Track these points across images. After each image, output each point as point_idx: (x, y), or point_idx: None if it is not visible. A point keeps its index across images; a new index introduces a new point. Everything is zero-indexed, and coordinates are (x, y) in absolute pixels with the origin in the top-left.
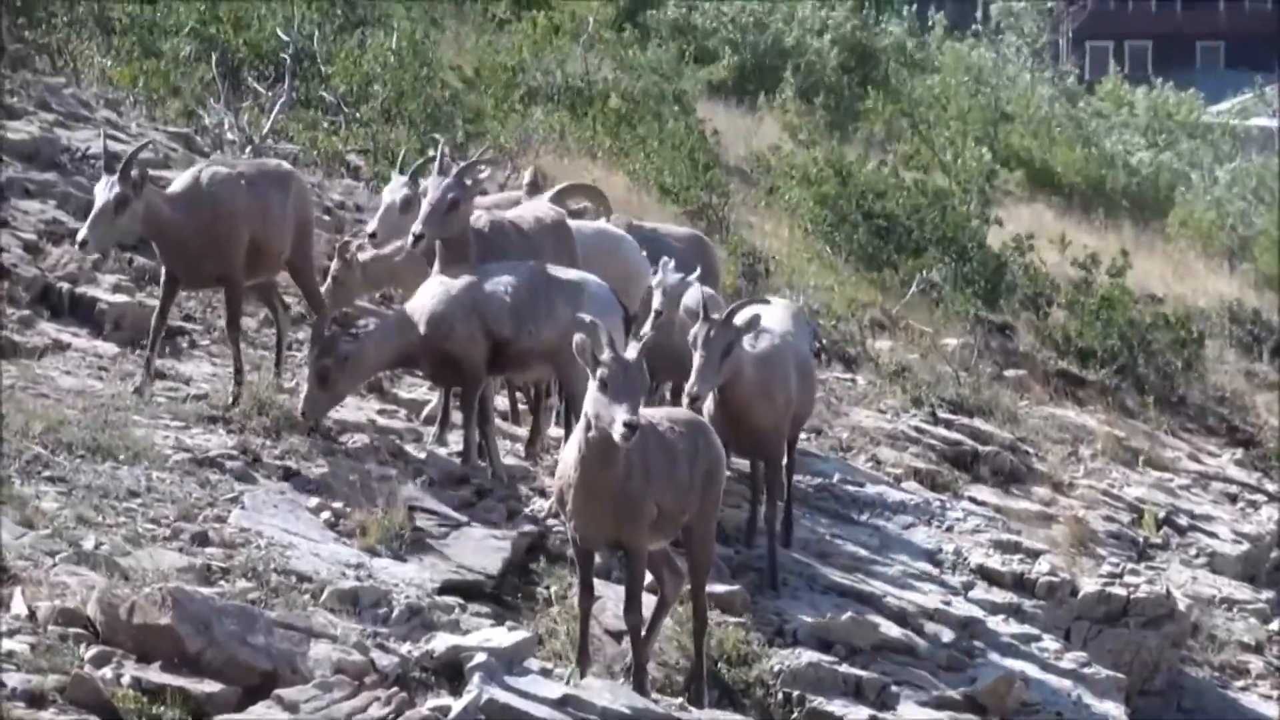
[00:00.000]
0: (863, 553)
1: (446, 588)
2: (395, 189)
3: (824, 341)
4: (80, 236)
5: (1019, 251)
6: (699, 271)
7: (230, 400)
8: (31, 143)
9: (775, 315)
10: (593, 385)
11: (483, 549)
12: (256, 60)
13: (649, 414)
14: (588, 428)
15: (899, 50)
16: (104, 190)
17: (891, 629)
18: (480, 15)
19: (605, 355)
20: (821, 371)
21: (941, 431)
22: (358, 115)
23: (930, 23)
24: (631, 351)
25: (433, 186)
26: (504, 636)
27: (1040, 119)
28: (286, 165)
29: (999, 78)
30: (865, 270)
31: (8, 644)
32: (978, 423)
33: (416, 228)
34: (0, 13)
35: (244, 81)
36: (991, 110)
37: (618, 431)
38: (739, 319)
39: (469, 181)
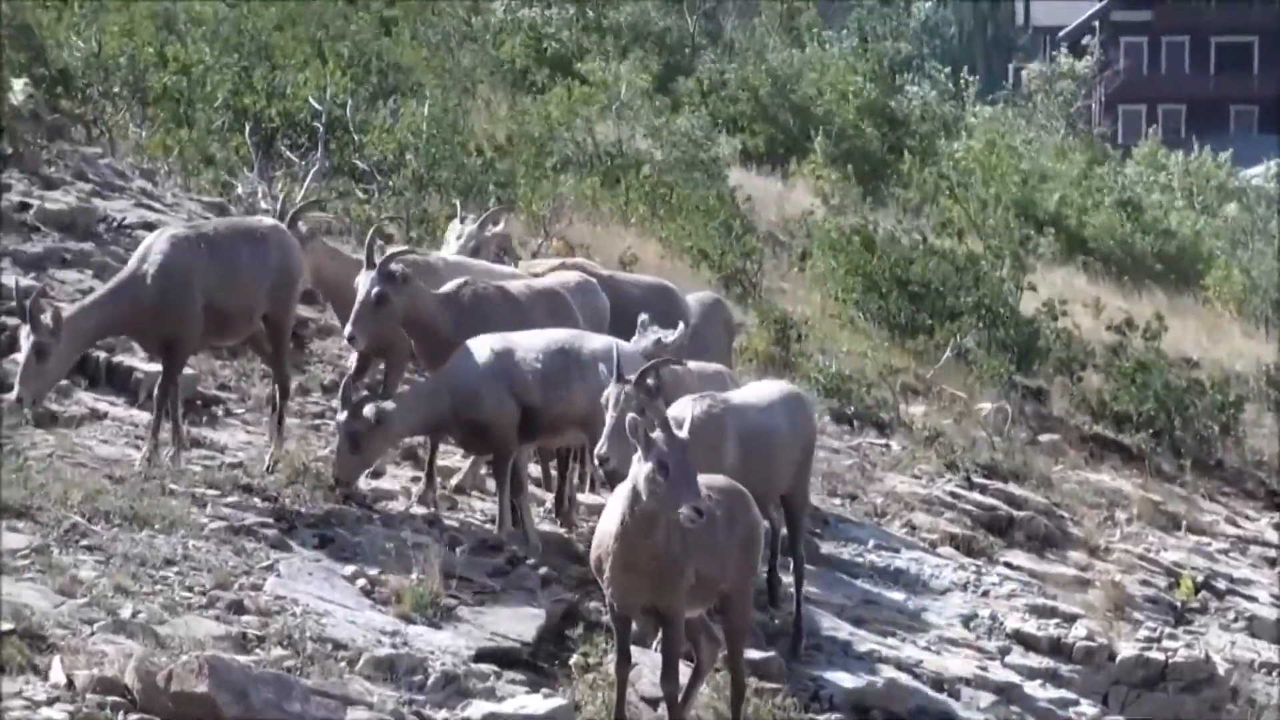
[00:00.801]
0: (898, 618)
1: (482, 655)
2: None
3: (855, 407)
4: (14, 395)
5: (1051, 316)
6: (681, 329)
7: (137, 468)
8: (69, 213)
9: (757, 389)
10: (644, 463)
11: (518, 616)
12: (290, 129)
13: None
14: (634, 501)
15: (930, 115)
16: (24, 342)
17: (928, 694)
18: (512, 84)
19: (661, 436)
20: (854, 437)
21: (976, 496)
22: (391, 184)
23: (965, 85)
24: (684, 430)
25: (360, 284)
26: (540, 704)
27: (1074, 181)
28: (269, 221)
29: (1031, 142)
30: (898, 336)
31: (46, 712)
32: (1012, 487)
33: (348, 330)
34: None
35: (277, 150)
36: (1026, 174)
37: (685, 516)
38: (652, 380)
39: (396, 270)
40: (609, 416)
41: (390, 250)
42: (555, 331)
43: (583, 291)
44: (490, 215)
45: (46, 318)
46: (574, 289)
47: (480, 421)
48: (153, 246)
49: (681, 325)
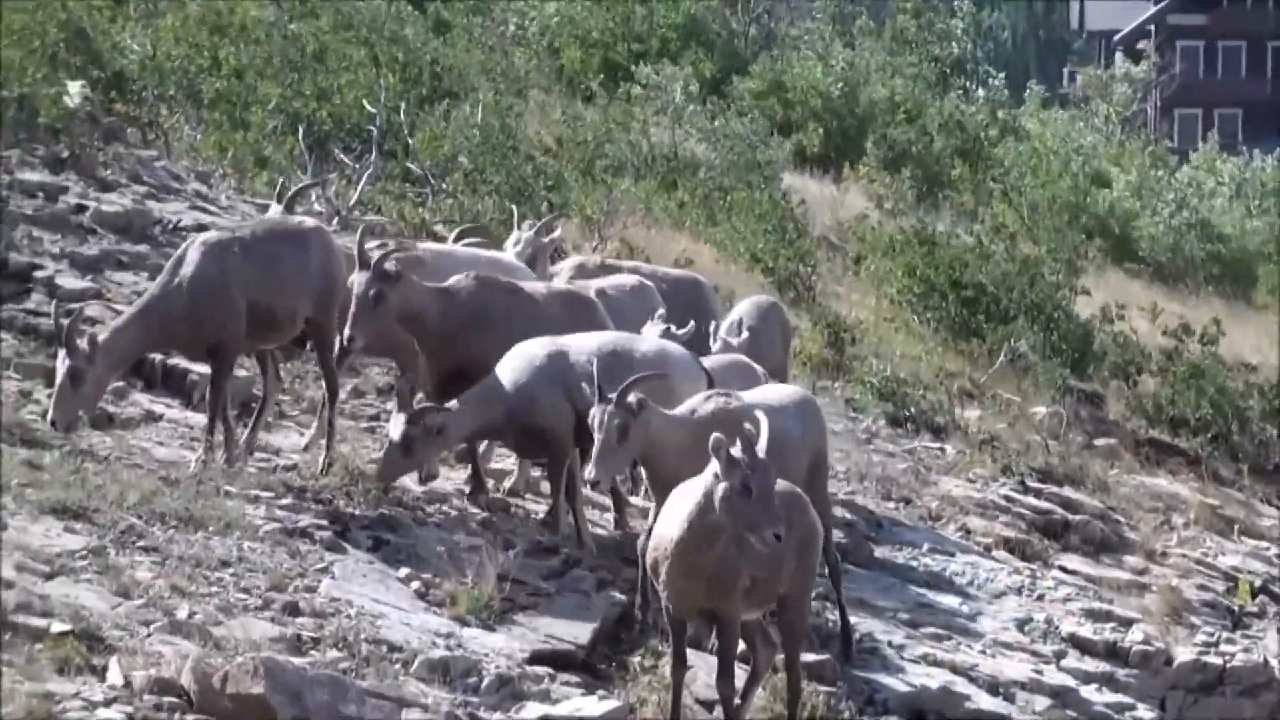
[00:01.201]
0: (953, 622)
1: (536, 657)
2: None
3: (910, 411)
4: (49, 419)
5: (1107, 320)
6: (691, 325)
7: (191, 471)
8: (125, 215)
9: (769, 391)
10: (723, 481)
11: (572, 618)
12: (343, 132)
13: None
14: (705, 512)
15: (986, 118)
16: (60, 366)
17: (983, 698)
18: (567, 88)
19: (745, 457)
20: (909, 441)
21: (1031, 500)
22: (444, 186)
23: (1027, 91)
24: (760, 448)
25: (356, 284)
26: (595, 706)
27: (1129, 186)
28: (310, 222)
29: (1087, 145)
30: (953, 340)
31: (104, 713)
32: (1068, 491)
33: (347, 331)
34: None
35: (331, 153)
36: (1080, 178)
37: (766, 540)
38: (633, 396)
39: (390, 269)
40: (596, 438)
41: (378, 246)
42: (607, 334)
43: (638, 294)
44: (545, 223)
45: (82, 342)
46: (629, 292)
47: (536, 426)
48: (185, 257)
49: (693, 321)
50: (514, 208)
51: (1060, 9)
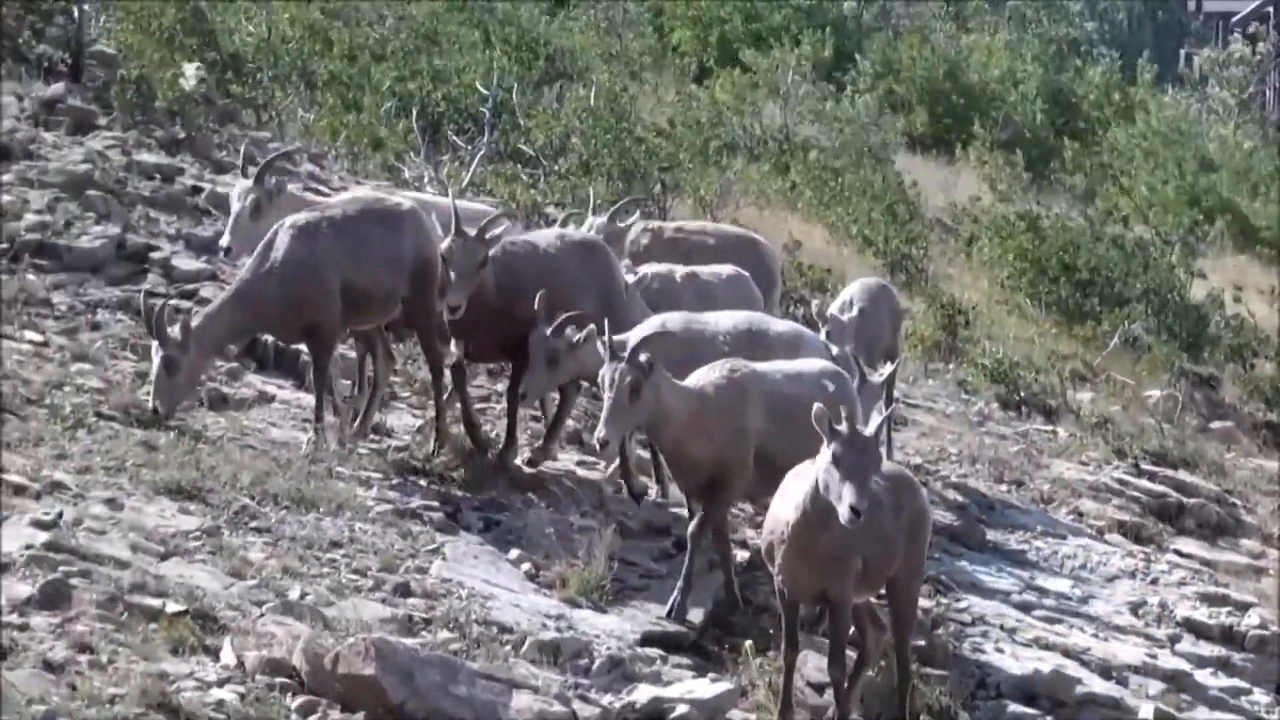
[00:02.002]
0: (1065, 605)
1: (647, 639)
2: (241, 195)
3: (1023, 394)
4: (150, 407)
5: (1219, 304)
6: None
7: (303, 452)
8: None
9: (791, 361)
10: (827, 454)
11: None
12: (456, 114)
13: None
14: (817, 492)
15: (1103, 99)
16: (154, 355)
17: (1096, 682)
18: (680, 71)
19: (843, 429)
20: (1021, 424)
21: (1145, 484)
22: (556, 168)
23: (1140, 70)
24: (870, 427)
25: (457, 251)
26: (706, 688)
27: (1241, 170)
28: (407, 203)
29: (1202, 128)
30: (1066, 322)
31: (217, 693)
32: (1182, 475)
33: (453, 300)
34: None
35: (444, 135)
36: (1192, 162)
37: (844, 513)
38: (644, 356)
39: (489, 236)
40: (606, 396)
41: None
42: (742, 313)
43: (733, 281)
44: (621, 206)
45: (175, 330)
46: (725, 280)
47: None
48: (275, 241)
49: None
50: (590, 193)
51: None
